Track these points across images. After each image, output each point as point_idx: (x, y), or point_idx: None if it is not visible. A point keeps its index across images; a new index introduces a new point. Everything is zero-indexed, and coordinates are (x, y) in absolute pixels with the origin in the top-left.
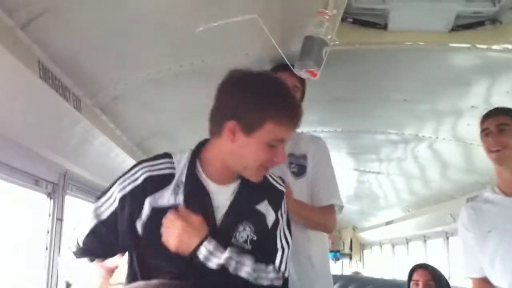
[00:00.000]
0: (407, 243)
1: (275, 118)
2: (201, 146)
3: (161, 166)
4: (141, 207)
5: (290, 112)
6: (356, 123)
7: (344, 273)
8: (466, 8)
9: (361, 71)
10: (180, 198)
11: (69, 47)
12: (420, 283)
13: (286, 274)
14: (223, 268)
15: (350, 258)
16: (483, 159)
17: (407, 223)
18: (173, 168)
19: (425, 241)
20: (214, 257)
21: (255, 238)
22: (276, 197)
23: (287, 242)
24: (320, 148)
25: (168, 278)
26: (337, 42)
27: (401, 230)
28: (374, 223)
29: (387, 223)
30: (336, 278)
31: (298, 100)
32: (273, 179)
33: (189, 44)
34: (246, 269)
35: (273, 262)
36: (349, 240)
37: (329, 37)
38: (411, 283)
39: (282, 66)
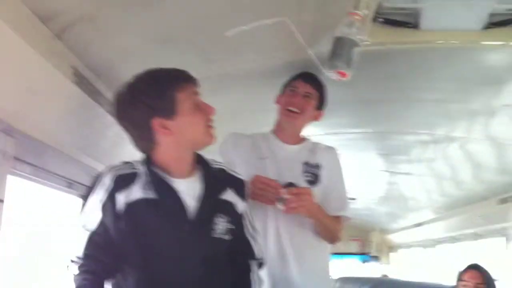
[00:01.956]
0: (436, 245)
1: (179, 86)
2: (146, 157)
3: (125, 167)
4: (114, 204)
5: (181, 75)
6: (387, 124)
7: (372, 276)
8: (500, 6)
9: (392, 72)
10: (150, 194)
11: (103, 53)
12: (471, 285)
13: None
14: None
15: (378, 261)
16: None
17: (437, 225)
18: (136, 168)
19: (454, 243)
20: None
21: (232, 227)
22: (239, 186)
23: (255, 229)
24: (334, 159)
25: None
26: (368, 43)
27: (431, 232)
28: (404, 225)
29: (417, 225)
30: (365, 281)
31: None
32: (231, 170)
33: (219, 48)
34: None
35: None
36: (377, 242)
37: (360, 37)
38: (460, 283)
39: (297, 75)
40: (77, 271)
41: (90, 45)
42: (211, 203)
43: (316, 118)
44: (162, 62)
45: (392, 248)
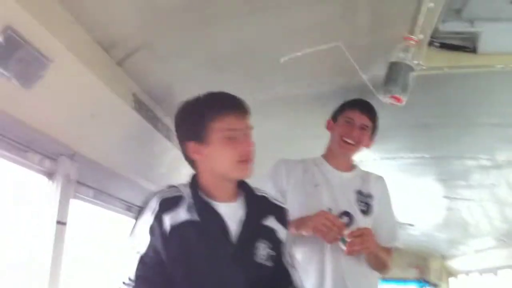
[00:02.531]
0: (497, 271)
1: (214, 117)
2: (192, 179)
3: (171, 191)
4: (162, 225)
5: (224, 105)
6: (445, 149)
7: None
8: None
9: (449, 95)
10: (194, 216)
11: (161, 79)
12: None
13: None
14: None
15: (437, 287)
16: None
17: (499, 252)
18: (181, 192)
19: None
20: None
21: (274, 254)
22: (282, 214)
23: (293, 258)
24: (384, 189)
25: None
26: (424, 67)
27: (492, 259)
28: (464, 251)
29: (477, 251)
30: None
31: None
32: (274, 198)
33: (274, 72)
34: None
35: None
36: (436, 268)
37: (416, 62)
38: None
39: (352, 103)
40: None
41: (149, 71)
42: (253, 228)
43: (368, 146)
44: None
45: (451, 274)
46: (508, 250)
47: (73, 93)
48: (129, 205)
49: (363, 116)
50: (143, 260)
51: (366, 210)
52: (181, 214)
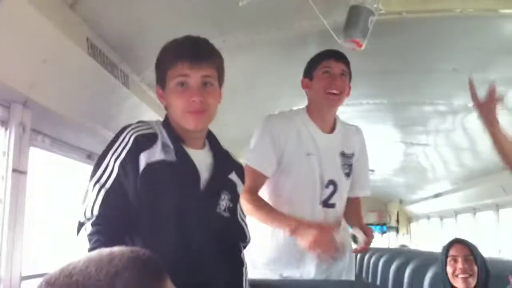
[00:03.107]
0: (456, 216)
1: (170, 63)
2: (165, 119)
3: (144, 127)
4: (137, 164)
5: (180, 51)
6: (403, 95)
7: (390, 246)
8: None
9: (408, 41)
10: (171, 157)
11: (116, 24)
12: (460, 259)
13: None
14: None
15: (397, 231)
16: None
17: (456, 196)
18: (154, 129)
19: (474, 214)
20: None
21: (231, 205)
22: (241, 170)
23: (245, 215)
24: (362, 142)
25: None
26: (383, 11)
27: (449, 203)
28: (422, 196)
29: (435, 196)
30: (383, 251)
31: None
32: (233, 155)
33: (232, 18)
34: None
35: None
36: (395, 213)
37: (375, 6)
38: (449, 259)
39: (325, 54)
40: (90, 229)
41: (104, 15)
42: (221, 180)
43: (348, 94)
44: (176, 34)
45: (411, 219)
46: (464, 194)
47: (23, 37)
48: (89, 153)
49: (339, 63)
50: (107, 197)
51: (348, 172)
52: (156, 153)
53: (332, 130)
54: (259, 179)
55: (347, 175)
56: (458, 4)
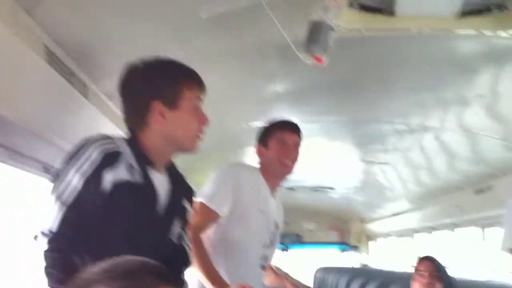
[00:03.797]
0: (414, 234)
1: (189, 84)
2: (132, 138)
3: (108, 142)
4: (100, 181)
5: (195, 75)
6: (362, 112)
7: (351, 265)
8: None
9: (367, 59)
10: (137, 178)
11: (75, 31)
12: (426, 274)
13: None
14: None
15: (357, 250)
16: (490, 149)
17: (414, 215)
18: (117, 146)
19: (430, 232)
20: None
21: (181, 232)
22: (192, 196)
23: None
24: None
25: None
26: (343, 28)
27: (408, 222)
28: (381, 214)
29: (394, 215)
30: (344, 271)
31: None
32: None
33: (194, 29)
34: None
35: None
36: (356, 231)
37: (335, 22)
38: (417, 274)
39: (280, 125)
40: (46, 246)
41: (63, 22)
42: (176, 206)
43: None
44: (136, 42)
45: (371, 237)
46: (422, 213)
47: None
48: (46, 166)
49: (294, 135)
50: (67, 214)
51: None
52: (122, 173)
53: (275, 196)
54: (210, 217)
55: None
56: (416, 23)
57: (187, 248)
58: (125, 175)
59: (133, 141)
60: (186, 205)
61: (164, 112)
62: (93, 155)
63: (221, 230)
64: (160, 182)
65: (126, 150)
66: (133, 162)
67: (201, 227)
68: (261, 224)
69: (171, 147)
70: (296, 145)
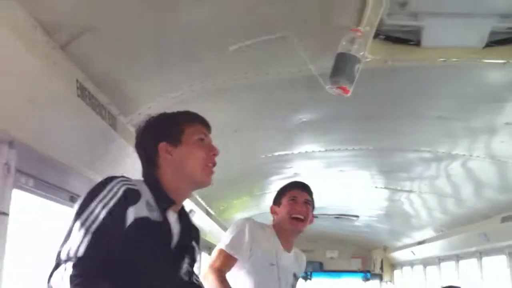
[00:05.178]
0: (439, 263)
1: (189, 122)
2: (148, 179)
3: (131, 182)
4: (125, 216)
5: (195, 114)
6: (388, 141)
7: None
8: (501, 24)
9: (393, 88)
10: (156, 216)
11: (105, 65)
12: None
13: None
14: None
15: (381, 279)
16: None
17: (440, 243)
18: (137, 186)
19: (457, 261)
20: None
21: (190, 269)
22: (199, 235)
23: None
24: (303, 267)
25: None
26: (369, 59)
27: (433, 250)
28: (406, 242)
29: (419, 243)
30: None
31: None
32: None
33: (221, 61)
34: None
35: None
36: (379, 260)
37: (362, 54)
38: None
39: (292, 185)
40: (72, 270)
41: (94, 57)
42: (186, 243)
43: (312, 221)
44: (162, 76)
45: (395, 266)
46: (448, 241)
47: (12, 77)
48: (73, 195)
49: (304, 192)
50: (94, 240)
51: None
52: (142, 210)
53: (290, 250)
54: (230, 262)
55: None
56: (443, 54)
57: (196, 282)
58: (144, 212)
59: (151, 181)
60: (194, 244)
61: (171, 151)
62: (116, 189)
63: (242, 280)
64: (174, 220)
65: (145, 190)
66: (151, 201)
67: (222, 270)
68: (274, 277)
69: (185, 182)
70: (306, 202)
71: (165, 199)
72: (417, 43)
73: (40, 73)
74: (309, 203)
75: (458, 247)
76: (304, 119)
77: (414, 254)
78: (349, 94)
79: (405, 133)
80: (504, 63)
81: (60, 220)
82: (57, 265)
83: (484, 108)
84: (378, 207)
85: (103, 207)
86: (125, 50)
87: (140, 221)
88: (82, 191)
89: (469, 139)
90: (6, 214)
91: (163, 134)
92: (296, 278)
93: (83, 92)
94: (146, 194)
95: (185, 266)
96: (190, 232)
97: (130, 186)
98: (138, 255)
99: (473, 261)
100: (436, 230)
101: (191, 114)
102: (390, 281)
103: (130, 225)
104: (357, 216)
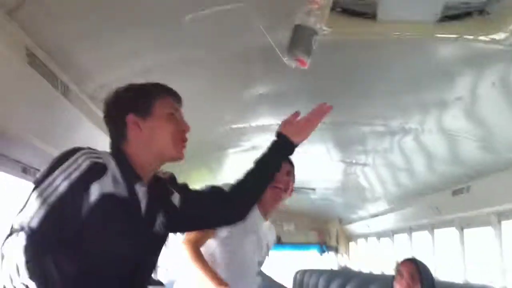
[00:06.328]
0: (393, 235)
1: (160, 95)
2: (116, 152)
3: (96, 155)
4: (88, 191)
5: (166, 87)
6: (343, 115)
7: (330, 267)
8: None
9: (348, 62)
10: (122, 192)
11: (57, 33)
12: (405, 274)
13: None
14: None
15: (337, 251)
16: (468, 152)
17: (393, 215)
18: (103, 160)
19: (410, 233)
20: None
21: (165, 220)
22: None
23: None
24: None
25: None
26: (325, 32)
27: (387, 223)
28: (361, 215)
29: (373, 216)
30: (323, 273)
31: None
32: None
33: (176, 34)
34: None
35: None
36: (335, 232)
37: (319, 26)
38: (398, 275)
39: None
40: (25, 241)
41: (44, 24)
42: (155, 207)
43: (290, 195)
44: (117, 45)
45: (350, 238)
46: (401, 213)
47: None
48: (26, 167)
49: (286, 163)
50: (50, 214)
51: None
52: (107, 185)
53: (267, 219)
54: (206, 233)
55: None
56: (397, 28)
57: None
58: (110, 187)
59: (118, 155)
60: (172, 198)
61: (139, 123)
62: (80, 162)
63: (223, 249)
64: (142, 194)
65: (111, 164)
66: (118, 176)
67: (197, 241)
68: (255, 243)
69: (155, 156)
70: (288, 173)
71: (132, 174)
72: (373, 17)
73: None
74: (290, 174)
75: (411, 220)
76: (261, 92)
77: (369, 227)
78: (306, 67)
79: (359, 107)
80: (457, 38)
81: (12, 192)
82: (11, 233)
83: (436, 83)
84: (334, 180)
85: (64, 178)
86: (77, 17)
87: (107, 197)
88: (36, 163)
89: (421, 113)
90: None
91: (132, 105)
92: (268, 248)
93: (32, 60)
94: (113, 168)
95: (158, 222)
96: (161, 200)
97: (95, 160)
98: (103, 232)
99: (425, 233)
100: (389, 203)
101: (162, 87)
102: (346, 253)
103: (96, 201)
104: (313, 189)
